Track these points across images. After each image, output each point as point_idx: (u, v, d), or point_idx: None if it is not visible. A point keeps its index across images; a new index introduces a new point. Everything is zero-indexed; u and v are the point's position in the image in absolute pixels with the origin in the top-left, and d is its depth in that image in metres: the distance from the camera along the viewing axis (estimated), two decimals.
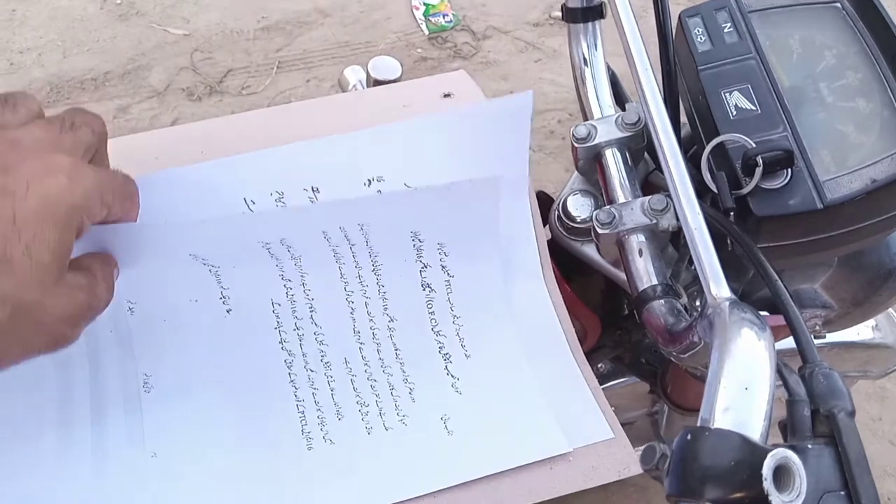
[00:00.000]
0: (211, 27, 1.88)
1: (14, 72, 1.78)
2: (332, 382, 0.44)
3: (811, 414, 0.31)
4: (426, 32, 1.88)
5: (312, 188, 0.42)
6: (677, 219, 0.46)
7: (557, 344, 0.48)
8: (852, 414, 0.31)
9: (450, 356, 0.46)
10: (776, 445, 0.29)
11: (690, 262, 0.52)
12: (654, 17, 0.51)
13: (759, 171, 0.43)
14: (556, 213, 0.54)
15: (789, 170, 0.45)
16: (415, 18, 1.91)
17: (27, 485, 0.40)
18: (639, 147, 0.52)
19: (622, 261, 0.48)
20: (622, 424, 0.45)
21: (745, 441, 0.28)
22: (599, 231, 0.47)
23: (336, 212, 0.42)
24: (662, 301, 0.44)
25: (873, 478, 0.29)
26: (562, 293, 0.49)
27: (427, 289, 0.45)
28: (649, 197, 0.47)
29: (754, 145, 0.45)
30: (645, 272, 0.46)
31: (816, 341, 0.63)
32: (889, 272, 0.59)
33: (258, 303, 0.43)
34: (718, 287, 0.36)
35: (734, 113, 0.47)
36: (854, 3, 0.50)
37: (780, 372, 0.32)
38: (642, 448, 0.32)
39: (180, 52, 1.82)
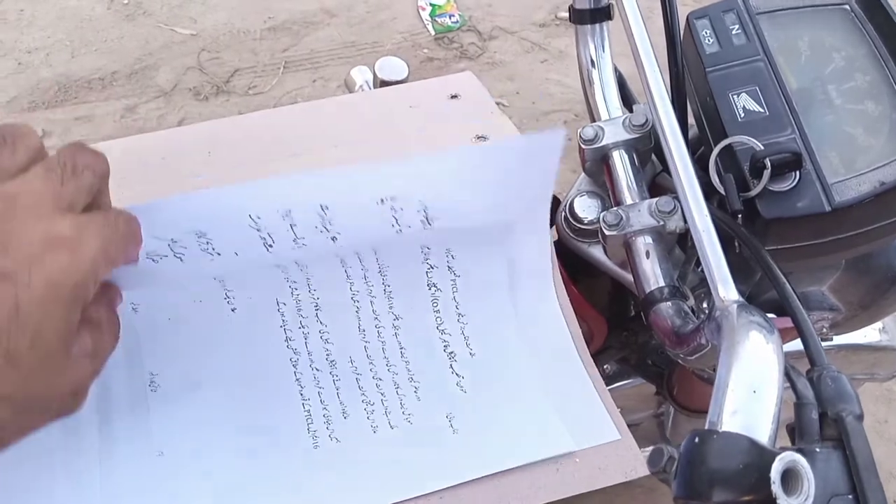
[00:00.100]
0: (218, 27, 1.88)
1: (22, 71, 1.79)
2: (338, 381, 0.44)
3: (819, 417, 0.31)
4: (432, 33, 1.88)
5: (322, 206, 0.40)
6: (685, 221, 0.46)
7: (564, 345, 0.47)
8: (860, 417, 0.31)
9: (455, 355, 0.46)
10: (784, 449, 0.29)
11: (697, 263, 0.52)
12: (660, 18, 0.51)
13: (767, 173, 0.43)
14: (563, 214, 0.54)
15: (797, 172, 0.44)
16: (421, 19, 1.91)
17: (34, 483, 0.41)
18: (646, 149, 0.52)
19: (629, 262, 0.48)
20: (628, 426, 0.45)
21: (753, 444, 0.27)
22: (607, 233, 0.47)
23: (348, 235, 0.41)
24: (669, 303, 0.44)
25: (881, 481, 0.29)
26: (568, 294, 0.49)
27: (433, 288, 0.45)
28: (657, 199, 0.47)
29: (762, 147, 0.45)
30: (652, 274, 0.46)
31: (823, 344, 0.63)
32: None
33: (263, 302, 0.44)
34: (726, 289, 0.36)
35: (742, 115, 0.47)
36: (863, 5, 0.50)
37: (787, 375, 0.32)
38: (649, 450, 0.32)
39: (187, 52, 1.83)
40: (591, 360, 0.47)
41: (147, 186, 0.49)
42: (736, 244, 0.44)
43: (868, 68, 0.48)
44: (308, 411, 0.43)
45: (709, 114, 0.49)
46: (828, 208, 0.44)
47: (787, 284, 0.38)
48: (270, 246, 0.40)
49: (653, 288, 0.45)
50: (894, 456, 1.27)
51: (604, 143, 0.51)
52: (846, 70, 0.48)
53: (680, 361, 0.44)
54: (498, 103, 0.56)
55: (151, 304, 0.42)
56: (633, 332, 0.65)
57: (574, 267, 0.54)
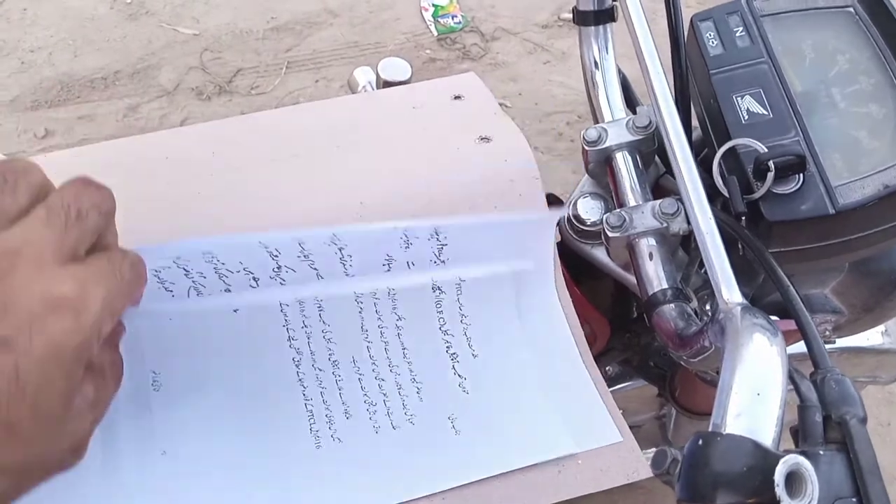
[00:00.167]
0: (220, 27, 1.89)
1: (25, 70, 1.79)
2: (340, 381, 0.44)
3: (823, 420, 0.31)
4: (435, 33, 1.88)
5: (334, 234, 0.41)
6: (688, 223, 0.46)
7: (566, 346, 0.47)
8: (864, 420, 0.31)
9: (457, 356, 0.46)
10: (788, 451, 0.29)
11: (700, 265, 0.52)
12: (664, 20, 0.51)
13: (770, 175, 0.43)
14: (566, 215, 0.54)
15: (801, 175, 0.44)
16: (424, 19, 1.91)
17: None
18: (649, 150, 0.52)
19: (632, 264, 0.48)
20: (629, 428, 0.45)
21: (757, 447, 0.27)
22: (610, 234, 0.47)
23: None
24: (673, 305, 0.44)
25: (884, 484, 0.29)
26: (571, 296, 0.49)
27: (437, 290, 0.45)
28: (660, 200, 0.47)
29: (766, 150, 0.45)
30: (655, 276, 0.46)
31: (826, 347, 0.63)
32: None
33: (266, 302, 0.44)
34: (730, 291, 0.36)
35: (746, 117, 0.47)
36: (867, 8, 0.49)
37: (791, 377, 0.32)
38: (652, 452, 0.32)
39: (190, 52, 1.83)
40: (594, 362, 0.47)
41: (151, 186, 0.49)
42: (739, 246, 0.44)
43: (872, 71, 0.48)
44: (310, 411, 0.43)
45: (712, 116, 0.49)
46: (831, 211, 0.44)
47: (791, 287, 0.38)
48: (276, 255, 0.40)
49: (656, 290, 0.45)
50: None
51: (607, 144, 0.51)
52: (850, 73, 0.48)
53: (683, 364, 0.44)
54: (500, 104, 0.56)
55: (154, 304, 0.42)
56: (635, 334, 0.65)
57: (577, 268, 0.54)
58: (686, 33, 0.52)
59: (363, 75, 0.86)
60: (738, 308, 0.35)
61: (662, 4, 0.51)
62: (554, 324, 0.48)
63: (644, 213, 0.47)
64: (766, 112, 0.47)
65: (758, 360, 0.31)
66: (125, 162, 0.51)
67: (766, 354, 0.31)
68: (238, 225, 0.46)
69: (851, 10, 0.50)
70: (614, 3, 0.55)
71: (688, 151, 0.42)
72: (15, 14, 1.91)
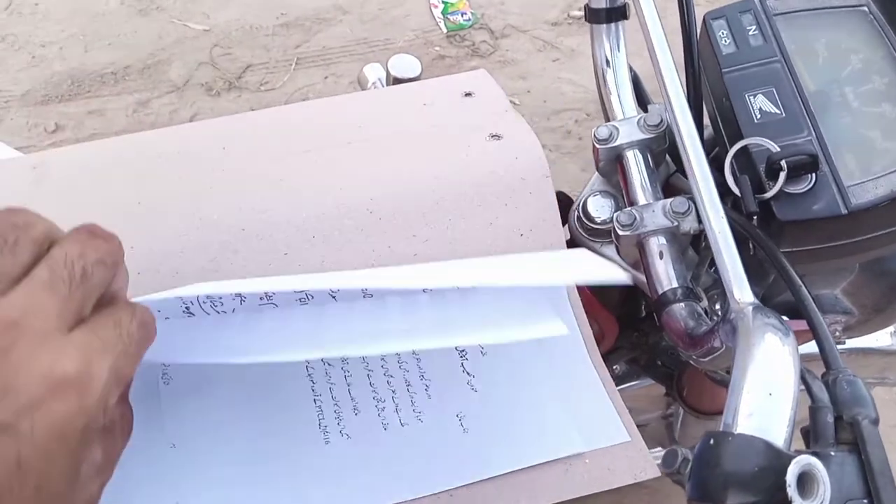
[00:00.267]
0: (230, 23, 1.89)
1: (36, 65, 1.80)
2: (349, 377, 0.44)
3: (834, 421, 0.31)
4: (444, 30, 1.88)
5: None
6: (699, 222, 0.46)
7: (575, 344, 0.47)
8: (876, 421, 0.31)
9: (465, 353, 0.46)
10: (799, 452, 0.29)
11: (710, 265, 0.52)
12: (673, 18, 0.51)
13: (783, 175, 0.43)
14: (576, 213, 0.54)
15: (814, 174, 0.44)
16: (433, 16, 1.91)
17: None
18: (660, 149, 0.51)
19: (642, 263, 0.47)
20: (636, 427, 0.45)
21: (769, 447, 0.27)
22: (620, 233, 0.47)
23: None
24: (683, 304, 0.44)
25: None
26: (580, 294, 0.49)
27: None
28: (671, 199, 0.47)
29: (779, 149, 0.44)
30: (665, 275, 0.46)
31: None
32: None
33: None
34: (742, 291, 0.36)
35: (758, 116, 0.47)
36: (881, 7, 0.49)
37: (803, 378, 0.32)
38: (663, 452, 0.32)
39: (200, 48, 1.84)
40: (602, 361, 0.47)
41: (163, 180, 0.49)
42: (750, 246, 0.44)
43: (886, 71, 0.48)
44: (319, 407, 0.43)
45: (724, 115, 0.49)
46: (844, 211, 0.43)
47: (803, 287, 0.38)
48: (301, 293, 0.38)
49: (666, 289, 0.45)
50: None
51: (618, 142, 0.51)
52: (863, 72, 0.48)
53: (692, 363, 0.44)
54: (509, 101, 0.56)
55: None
56: (643, 333, 0.65)
57: None
58: (698, 31, 0.51)
59: (373, 72, 0.86)
60: (750, 308, 0.35)
61: (671, 2, 0.51)
62: (563, 321, 0.48)
63: (655, 212, 0.47)
64: (778, 111, 0.47)
65: (770, 360, 0.31)
66: (137, 157, 0.51)
67: (779, 354, 0.31)
68: (248, 219, 0.46)
69: (865, 9, 0.50)
70: (627, 0, 0.55)
71: (700, 150, 0.42)
72: (26, 8, 1.92)
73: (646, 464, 0.43)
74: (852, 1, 0.50)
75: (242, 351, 0.36)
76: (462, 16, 1.90)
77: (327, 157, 0.51)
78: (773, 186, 0.44)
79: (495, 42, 1.87)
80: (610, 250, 0.53)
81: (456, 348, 0.46)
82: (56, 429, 0.25)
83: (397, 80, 0.76)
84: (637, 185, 0.50)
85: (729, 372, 0.33)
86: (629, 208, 0.48)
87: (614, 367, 0.71)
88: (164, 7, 1.92)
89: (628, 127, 0.51)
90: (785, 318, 0.35)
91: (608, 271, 0.39)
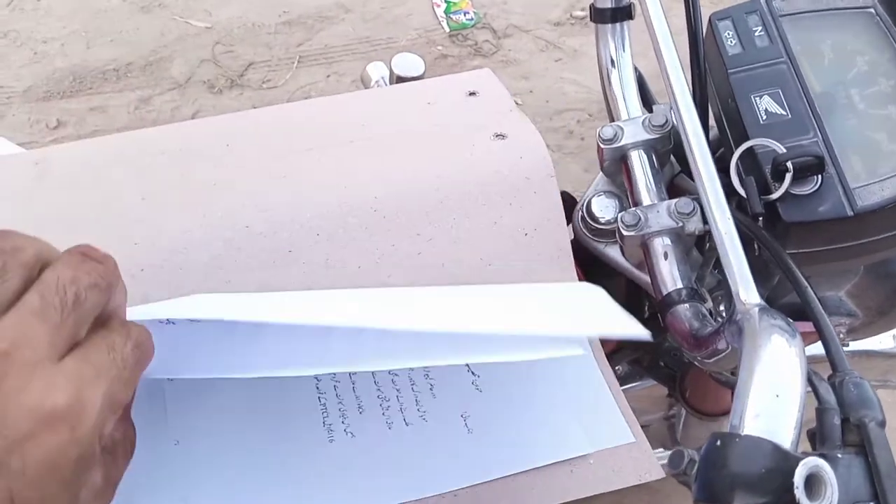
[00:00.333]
0: (233, 20, 1.89)
1: (38, 61, 1.80)
2: (354, 375, 0.44)
3: (841, 423, 0.31)
4: (447, 30, 1.88)
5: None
6: (704, 222, 0.46)
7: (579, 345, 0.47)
8: (883, 424, 0.31)
9: None
10: (806, 454, 0.29)
11: (715, 266, 0.52)
12: (677, 19, 0.51)
13: (789, 176, 0.43)
14: (580, 213, 0.54)
15: (819, 176, 0.44)
16: (436, 15, 1.91)
17: None
18: (665, 149, 0.51)
19: (647, 264, 0.47)
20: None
21: (776, 448, 0.27)
22: (625, 233, 0.47)
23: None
24: (687, 305, 0.44)
25: None
26: None
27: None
28: (676, 200, 0.47)
29: (784, 150, 0.44)
30: (670, 276, 0.46)
31: None
32: None
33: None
34: (748, 292, 0.36)
35: (764, 117, 0.47)
36: (888, 9, 0.49)
37: (810, 379, 0.32)
38: (668, 453, 0.32)
39: (202, 45, 1.83)
40: (607, 361, 0.47)
41: (167, 177, 0.49)
42: (755, 247, 0.44)
43: (892, 73, 0.47)
44: (324, 404, 0.43)
45: (730, 115, 0.49)
46: (850, 213, 0.43)
47: (809, 289, 0.38)
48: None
49: (670, 290, 0.45)
50: None
51: (623, 142, 0.51)
52: (869, 74, 0.48)
53: (697, 364, 0.44)
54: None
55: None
56: None
57: (589, 267, 0.54)
58: (704, 32, 0.51)
59: (376, 70, 0.86)
60: (756, 309, 0.35)
61: (675, 4, 0.51)
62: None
63: (659, 213, 0.47)
64: (784, 112, 0.47)
65: (777, 362, 0.31)
66: (141, 153, 0.51)
67: (786, 356, 0.31)
68: (252, 217, 0.46)
69: (872, 10, 0.50)
70: (632, 0, 0.55)
71: (706, 151, 0.42)
72: (29, 4, 1.92)
73: (650, 465, 0.43)
74: (859, 2, 0.50)
75: (247, 365, 0.36)
76: (464, 15, 1.90)
77: (331, 155, 0.51)
78: (779, 188, 0.44)
79: (498, 42, 1.87)
80: (614, 251, 0.53)
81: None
82: (48, 463, 0.25)
83: (401, 79, 0.76)
84: (642, 185, 0.50)
85: (733, 373, 0.33)
86: (634, 209, 0.48)
87: (616, 367, 0.71)
88: (166, 4, 1.92)
89: (633, 127, 0.51)
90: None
91: (626, 325, 0.38)
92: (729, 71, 0.49)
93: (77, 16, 1.89)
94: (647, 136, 0.51)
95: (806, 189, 0.44)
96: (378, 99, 0.60)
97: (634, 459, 0.43)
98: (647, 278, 0.48)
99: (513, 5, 1.94)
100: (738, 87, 0.48)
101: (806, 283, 0.39)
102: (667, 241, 0.46)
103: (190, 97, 1.73)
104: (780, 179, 0.44)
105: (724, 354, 0.38)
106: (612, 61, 0.56)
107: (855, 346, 0.70)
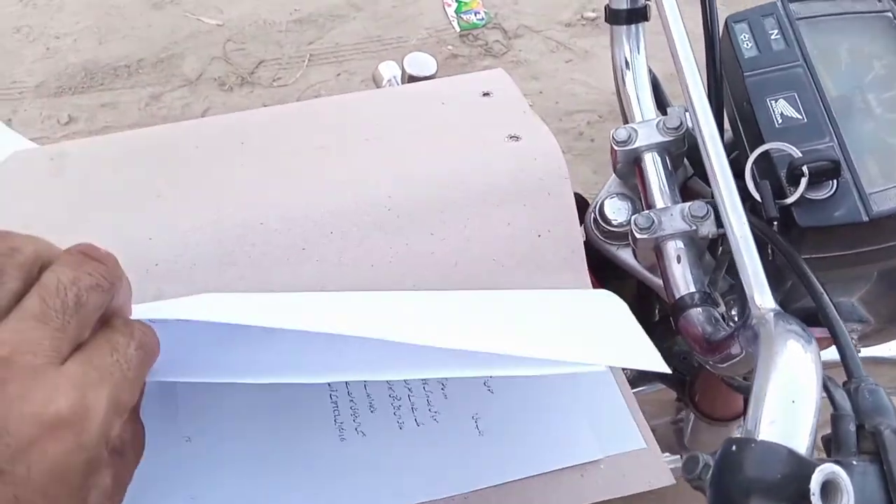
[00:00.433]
0: (244, 18, 1.89)
1: (50, 56, 1.81)
2: None
3: (856, 430, 0.31)
4: (457, 30, 1.88)
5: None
6: (717, 226, 0.45)
7: None
8: None
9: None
10: (821, 460, 0.28)
11: (728, 270, 0.51)
12: (691, 21, 0.50)
13: (804, 180, 0.43)
14: (593, 215, 0.54)
15: (835, 181, 0.44)
16: (447, 15, 1.91)
17: None
18: (679, 152, 0.51)
19: (659, 267, 0.47)
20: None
21: (792, 454, 0.27)
22: (638, 236, 0.47)
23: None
24: (700, 309, 0.44)
25: None
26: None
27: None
28: (689, 203, 0.47)
29: (800, 154, 0.44)
30: (683, 279, 0.45)
31: None
32: None
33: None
34: (763, 297, 0.36)
35: (780, 121, 0.46)
36: None
37: (825, 385, 0.32)
38: (676, 458, 0.32)
39: (213, 42, 1.84)
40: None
41: (182, 173, 0.49)
42: (769, 251, 0.43)
43: None
44: (335, 402, 0.43)
45: (745, 119, 0.49)
46: (865, 218, 0.43)
47: (825, 294, 0.38)
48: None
49: (683, 293, 0.45)
50: None
51: (636, 145, 0.51)
52: (887, 78, 0.48)
53: (709, 368, 0.43)
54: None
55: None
56: (656, 337, 0.64)
57: (601, 269, 0.54)
58: (720, 35, 0.51)
59: (388, 69, 0.86)
60: (772, 314, 0.34)
61: (690, 7, 0.50)
62: None
63: (673, 216, 0.47)
64: (800, 116, 0.46)
65: (792, 368, 0.31)
66: (156, 149, 0.51)
67: (801, 362, 0.31)
68: (266, 213, 0.46)
69: (889, 14, 0.49)
70: (647, 2, 0.55)
71: (722, 153, 0.41)
72: (42, 0, 1.93)
73: (660, 471, 0.42)
74: (876, 6, 0.50)
75: (256, 371, 0.35)
76: (475, 15, 1.90)
77: (345, 153, 0.51)
78: (794, 192, 0.43)
79: (508, 42, 1.87)
80: (626, 253, 0.52)
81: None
82: (54, 470, 0.24)
83: (412, 78, 0.76)
84: (655, 188, 0.49)
85: (746, 378, 0.33)
86: (647, 211, 0.47)
87: (626, 370, 0.70)
88: (178, 1, 1.93)
89: (647, 129, 0.51)
90: None
91: (648, 357, 0.38)
92: (745, 74, 0.49)
93: (90, 12, 1.90)
94: (661, 139, 0.50)
95: (821, 194, 0.44)
96: (392, 98, 0.60)
97: (645, 465, 0.43)
98: (659, 281, 0.48)
99: (524, 6, 1.94)
100: (754, 91, 0.48)
101: (822, 289, 0.38)
102: (680, 244, 0.46)
103: (201, 94, 1.74)
104: (796, 184, 0.43)
105: (737, 359, 0.38)
106: (627, 63, 0.56)
107: (866, 352, 0.70)
